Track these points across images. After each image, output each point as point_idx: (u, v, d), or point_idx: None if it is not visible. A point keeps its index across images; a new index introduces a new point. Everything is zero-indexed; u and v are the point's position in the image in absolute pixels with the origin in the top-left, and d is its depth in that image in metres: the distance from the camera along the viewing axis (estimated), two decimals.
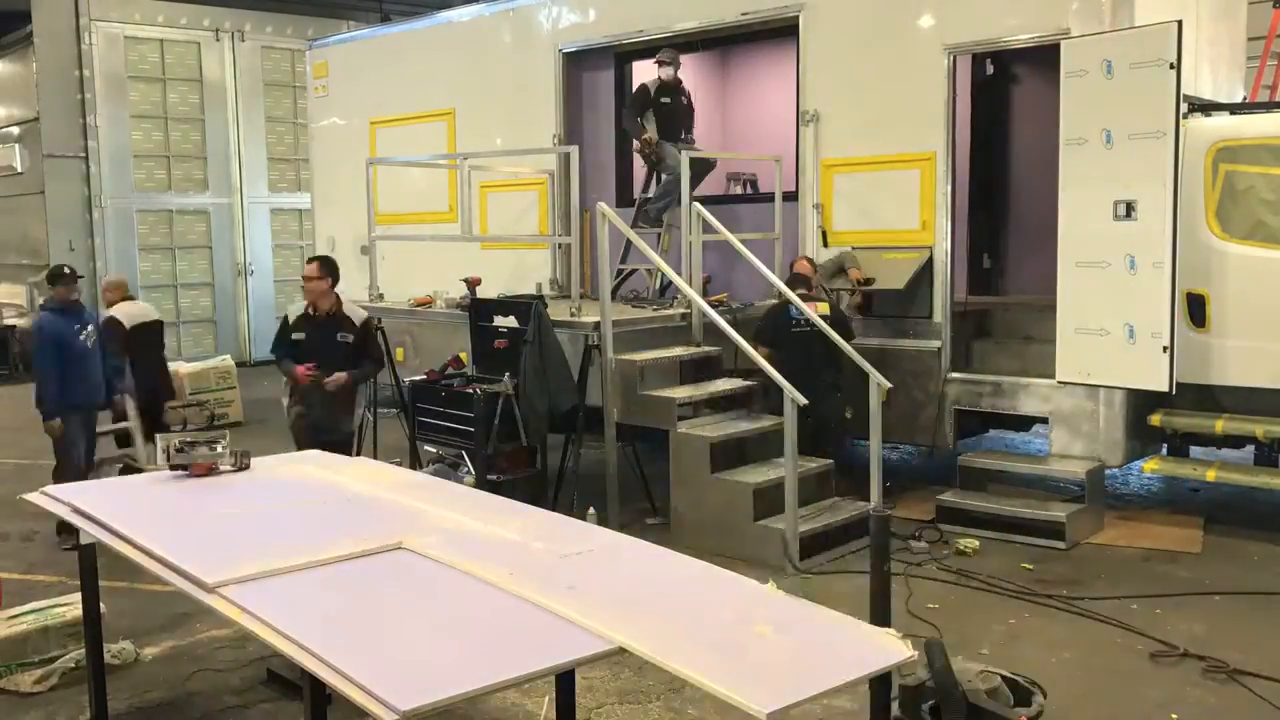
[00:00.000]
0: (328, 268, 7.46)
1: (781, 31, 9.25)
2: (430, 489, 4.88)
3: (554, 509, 5.44)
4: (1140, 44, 6.78)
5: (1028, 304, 8.88)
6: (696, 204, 8.35)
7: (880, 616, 3.40)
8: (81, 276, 8.71)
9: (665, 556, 3.86)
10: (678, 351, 8.07)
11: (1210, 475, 7.34)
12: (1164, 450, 7.91)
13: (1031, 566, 6.75)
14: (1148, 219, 6.82)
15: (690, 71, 10.74)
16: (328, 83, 12.78)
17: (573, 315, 7.97)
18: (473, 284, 8.67)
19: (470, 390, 7.71)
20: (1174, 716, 4.74)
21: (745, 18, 9.16)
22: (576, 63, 10.48)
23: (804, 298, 7.77)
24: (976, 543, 7.12)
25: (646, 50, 10.05)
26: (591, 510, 6.62)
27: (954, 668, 3.98)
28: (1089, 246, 7.10)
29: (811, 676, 2.85)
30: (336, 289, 7.48)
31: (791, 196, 9.01)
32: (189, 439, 5.08)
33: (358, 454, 7.60)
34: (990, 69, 9.86)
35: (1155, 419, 7.47)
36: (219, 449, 5.08)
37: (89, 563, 4.64)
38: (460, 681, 2.80)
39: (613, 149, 10.72)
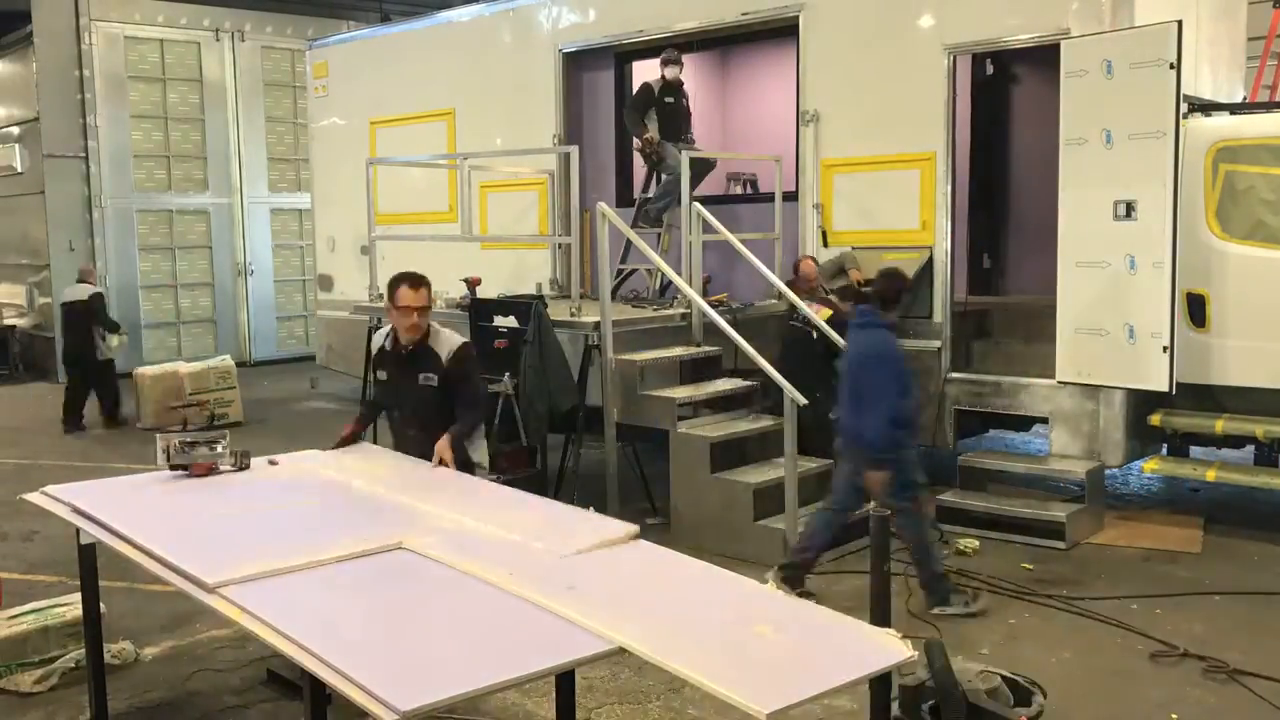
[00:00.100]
0: (428, 289, 5.66)
1: (781, 31, 9.26)
2: (430, 489, 4.87)
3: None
4: (1140, 44, 6.78)
5: (1028, 304, 8.88)
6: (696, 204, 8.36)
7: (880, 616, 3.39)
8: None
9: (665, 556, 3.86)
10: (678, 351, 8.07)
11: (1210, 475, 7.34)
12: (1164, 450, 7.91)
13: (1031, 566, 6.75)
14: (1148, 219, 6.82)
15: (690, 71, 10.73)
16: (328, 83, 12.78)
17: (573, 315, 7.97)
18: (473, 284, 8.67)
19: None
20: (1174, 716, 4.74)
21: (745, 18, 9.16)
22: (576, 63, 10.49)
23: (810, 300, 7.79)
24: (976, 543, 7.12)
25: (647, 50, 10.05)
26: (591, 510, 6.60)
27: (954, 668, 3.98)
28: (1089, 246, 7.11)
29: (811, 676, 2.85)
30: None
31: (791, 196, 9.02)
32: (189, 439, 5.07)
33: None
34: (990, 69, 9.86)
35: (1155, 419, 7.47)
36: (219, 449, 5.07)
37: (89, 563, 4.64)
38: (460, 681, 2.80)
39: (613, 149, 10.71)
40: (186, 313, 16.66)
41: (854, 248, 8.54)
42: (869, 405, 5.76)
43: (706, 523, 7.10)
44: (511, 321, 7.86)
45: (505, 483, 7.20)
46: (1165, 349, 6.81)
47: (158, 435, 5.17)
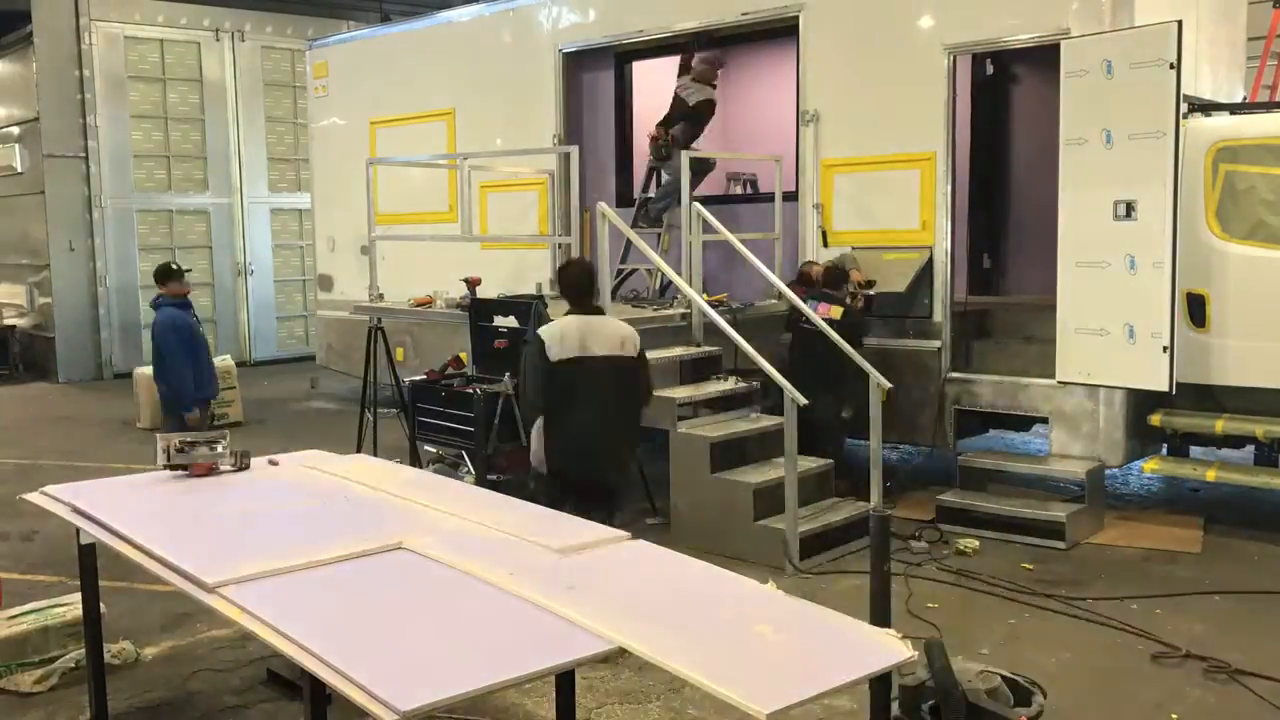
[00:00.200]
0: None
1: (781, 31, 9.26)
2: (430, 489, 4.87)
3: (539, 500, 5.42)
4: (1140, 44, 6.78)
5: (1028, 304, 8.89)
6: (696, 204, 8.36)
7: (880, 616, 3.39)
8: (190, 270, 9.28)
9: (665, 556, 3.86)
10: (678, 351, 8.07)
11: (1210, 475, 7.34)
12: (1164, 450, 7.91)
13: (1031, 566, 6.75)
14: (1148, 219, 6.82)
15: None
16: (328, 83, 12.79)
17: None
18: (473, 284, 8.67)
19: (470, 390, 7.71)
20: (1174, 716, 4.74)
21: (745, 18, 9.17)
22: (576, 63, 10.49)
23: (821, 298, 7.78)
24: (976, 543, 7.12)
25: (647, 50, 10.06)
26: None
27: (954, 668, 3.98)
28: (1089, 246, 7.11)
29: (811, 676, 2.85)
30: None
31: (791, 196, 9.02)
32: (189, 439, 5.08)
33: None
34: (990, 69, 9.86)
35: (1155, 419, 7.47)
36: (219, 449, 5.08)
37: (89, 563, 4.64)
38: (460, 681, 2.80)
39: (613, 149, 10.72)
40: None
41: (854, 248, 8.55)
42: None
43: (706, 523, 7.10)
44: (511, 321, 7.85)
45: (506, 483, 7.25)
46: (1165, 349, 6.81)
47: (158, 435, 5.17)
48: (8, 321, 16.38)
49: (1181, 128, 6.75)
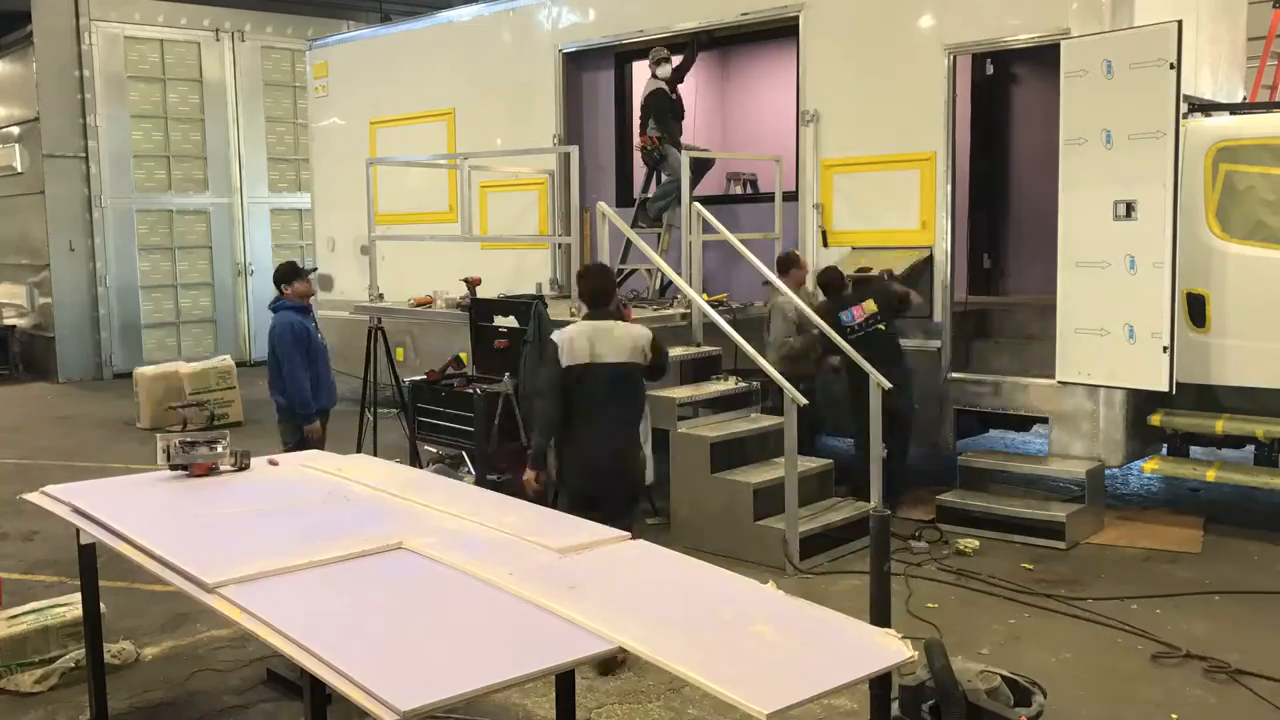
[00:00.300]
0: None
1: (781, 31, 9.26)
2: (430, 489, 4.87)
3: (554, 508, 5.43)
4: (1140, 44, 6.78)
5: (1028, 304, 8.89)
6: (697, 204, 8.36)
7: (880, 616, 3.39)
8: (315, 269, 8.69)
9: (665, 556, 3.86)
10: (678, 351, 8.06)
11: (1210, 475, 7.34)
12: (1164, 450, 7.91)
13: (1031, 566, 6.75)
14: (1148, 219, 6.82)
15: (691, 71, 10.75)
16: (328, 83, 12.79)
17: (573, 315, 7.96)
18: (473, 284, 8.67)
19: (470, 390, 7.71)
20: (1174, 716, 4.74)
21: (745, 18, 9.17)
22: (576, 63, 10.49)
23: (853, 298, 7.73)
24: (976, 543, 7.12)
25: (647, 50, 10.05)
26: None
27: (954, 668, 3.98)
28: (1089, 246, 7.11)
29: (811, 676, 2.85)
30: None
31: (791, 196, 9.02)
32: (189, 439, 5.08)
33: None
34: (990, 69, 9.86)
35: (1155, 419, 7.47)
36: (219, 449, 5.08)
37: (89, 563, 4.64)
38: (460, 681, 2.80)
39: (613, 149, 10.72)
40: (186, 313, 16.66)
41: (854, 248, 8.55)
42: None
43: (706, 523, 7.10)
44: (511, 321, 7.86)
45: (506, 483, 7.26)
46: (1165, 349, 6.81)
47: (158, 435, 5.17)
48: (8, 321, 16.39)
49: (1181, 128, 6.75)
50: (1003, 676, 4.08)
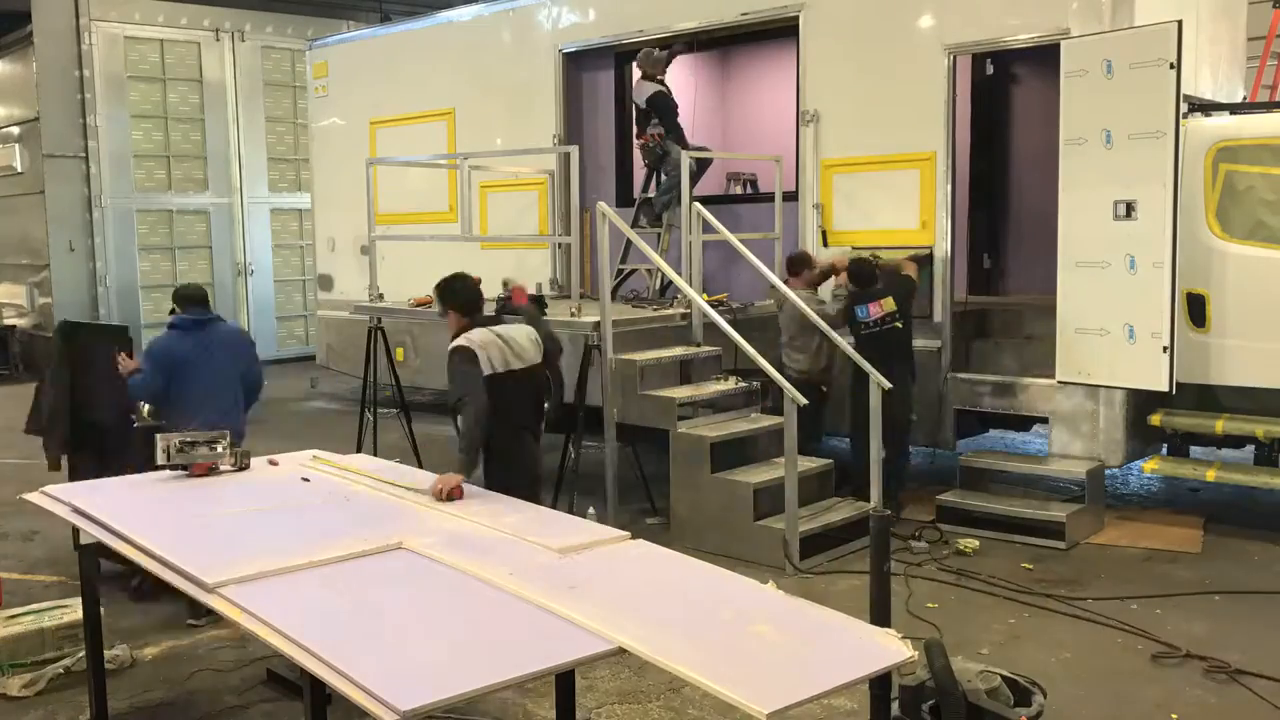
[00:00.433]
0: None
1: (781, 31, 9.25)
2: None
3: (554, 508, 5.43)
4: (1140, 44, 6.78)
5: (1028, 304, 8.88)
6: (697, 204, 8.36)
7: (880, 616, 3.39)
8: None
9: (665, 556, 3.86)
10: (678, 351, 8.07)
11: (1210, 475, 7.34)
12: (1164, 450, 7.91)
13: (1031, 566, 6.75)
14: (1148, 219, 6.82)
15: (690, 71, 10.75)
16: (328, 83, 12.79)
17: (573, 315, 7.97)
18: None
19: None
20: (1174, 716, 4.74)
21: (745, 18, 9.16)
22: (576, 63, 10.48)
23: (876, 294, 7.70)
24: (976, 543, 7.12)
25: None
26: (591, 510, 6.60)
27: (954, 668, 3.98)
28: (1089, 246, 7.10)
29: (811, 676, 2.85)
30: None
31: (791, 196, 9.02)
32: (189, 439, 5.08)
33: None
34: (990, 69, 9.86)
35: (1155, 419, 7.47)
36: (219, 449, 5.08)
37: (89, 563, 4.64)
38: (460, 681, 2.80)
39: (613, 149, 10.72)
40: None
41: (854, 248, 8.54)
42: None
43: (706, 523, 7.10)
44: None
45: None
46: (1165, 349, 6.80)
47: (158, 435, 5.17)
48: (8, 321, 16.38)
49: (1181, 128, 6.75)
50: (1003, 676, 4.08)
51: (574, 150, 8.70)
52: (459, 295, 5.74)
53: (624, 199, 10.37)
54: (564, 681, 4.22)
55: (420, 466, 8.06)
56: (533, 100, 10.48)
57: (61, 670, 5.18)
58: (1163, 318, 6.81)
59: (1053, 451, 7.84)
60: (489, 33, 11.03)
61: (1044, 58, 8.03)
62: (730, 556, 6.17)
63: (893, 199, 8.37)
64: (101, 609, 4.83)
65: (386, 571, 3.69)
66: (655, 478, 7.98)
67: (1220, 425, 7.27)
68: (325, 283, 13.07)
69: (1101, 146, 6.97)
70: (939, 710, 3.93)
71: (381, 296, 9.76)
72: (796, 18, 8.78)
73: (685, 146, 9.30)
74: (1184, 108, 6.84)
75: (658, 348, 8.01)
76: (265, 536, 4.09)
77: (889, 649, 2.99)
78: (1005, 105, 10.20)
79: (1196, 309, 7.23)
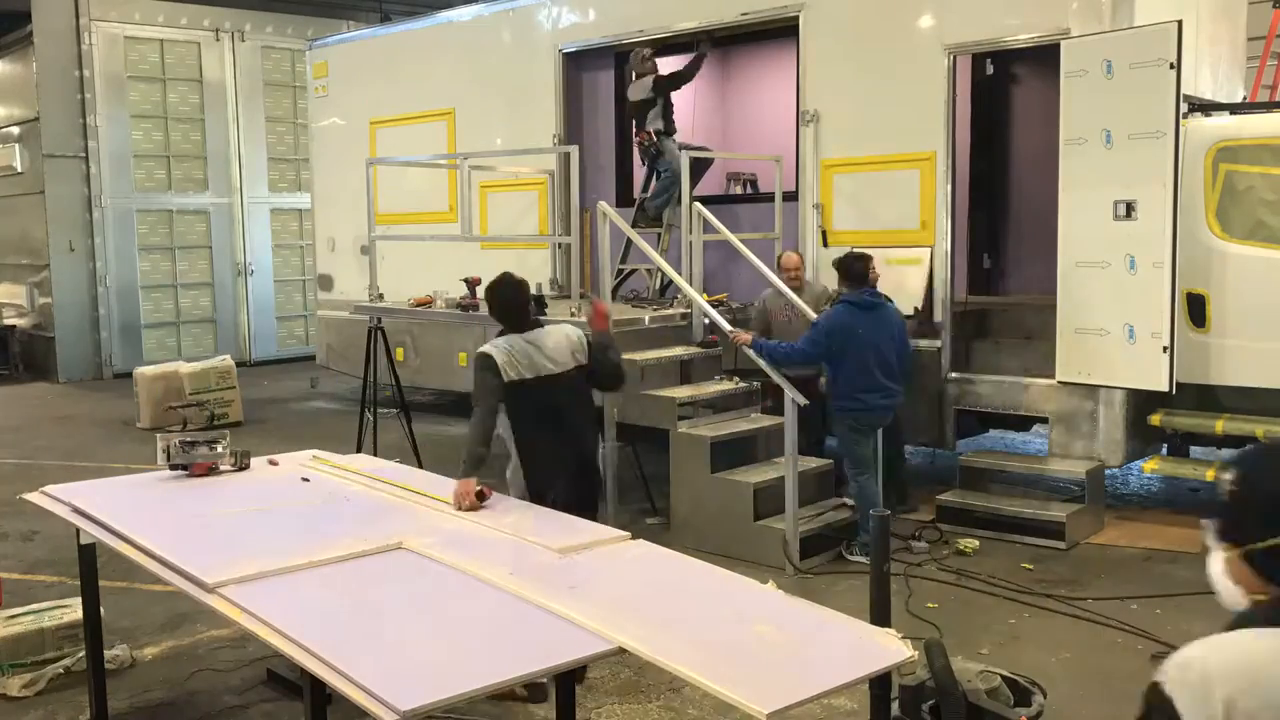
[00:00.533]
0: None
1: (781, 31, 9.26)
2: (430, 489, 4.87)
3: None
4: (1140, 44, 6.78)
5: (1028, 304, 8.88)
6: (697, 204, 8.36)
7: (880, 616, 3.39)
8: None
9: (665, 556, 3.86)
10: (678, 351, 8.07)
11: (1210, 475, 7.32)
12: (1164, 450, 7.91)
13: (1031, 566, 6.75)
14: (1148, 219, 6.82)
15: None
16: (328, 83, 12.79)
17: (573, 315, 7.97)
18: (473, 284, 8.67)
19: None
20: None
21: (745, 18, 9.16)
22: (576, 63, 10.49)
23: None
24: (976, 543, 7.12)
25: None
26: None
27: (954, 668, 3.98)
28: (1089, 246, 7.11)
29: (811, 676, 2.85)
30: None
31: (791, 196, 9.02)
32: (189, 439, 5.08)
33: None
34: (990, 69, 9.86)
35: (1155, 419, 7.47)
36: (219, 449, 5.08)
37: (89, 563, 4.64)
38: (460, 681, 2.80)
39: (613, 149, 10.72)
40: (186, 313, 16.65)
41: (854, 248, 8.53)
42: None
43: (706, 523, 7.10)
44: None
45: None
46: (1165, 349, 6.81)
47: (158, 435, 5.17)
48: (8, 321, 16.37)
49: (1181, 128, 6.75)
50: (1003, 676, 4.08)
51: (574, 150, 8.70)
52: (492, 305, 5.40)
53: (624, 199, 10.37)
54: (564, 681, 4.22)
55: (420, 466, 8.07)
56: (533, 100, 10.48)
57: (61, 670, 5.18)
58: (1163, 318, 6.81)
59: (1053, 451, 7.83)
60: (489, 33, 11.04)
61: (1044, 58, 8.03)
62: (730, 556, 6.17)
63: (893, 199, 8.37)
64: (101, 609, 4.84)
65: (386, 571, 3.69)
66: (655, 478, 7.98)
67: (1220, 425, 7.26)
68: (325, 283, 13.07)
69: (1101, 146, 6.97)
70: (939, 710, 3.93)
71: (381, 296, 9.76)
72: (796, 18, 8.78)
73: (672, 131, 9.27)
74: (1184, 108, 6.84)
75: (658, 348, 8.02)
76: (265, 536, 4.09)
77: (889, 649, 2.99)
78: (1005, 105, 10.20)
79: (1196, 309, 7.23)
